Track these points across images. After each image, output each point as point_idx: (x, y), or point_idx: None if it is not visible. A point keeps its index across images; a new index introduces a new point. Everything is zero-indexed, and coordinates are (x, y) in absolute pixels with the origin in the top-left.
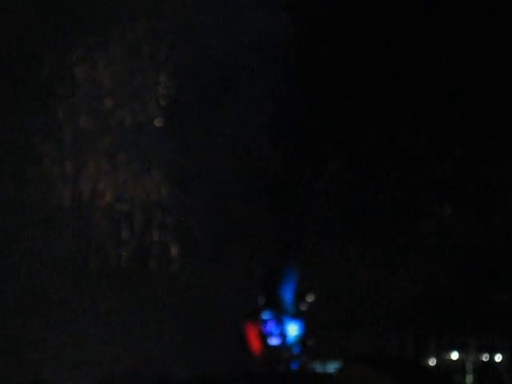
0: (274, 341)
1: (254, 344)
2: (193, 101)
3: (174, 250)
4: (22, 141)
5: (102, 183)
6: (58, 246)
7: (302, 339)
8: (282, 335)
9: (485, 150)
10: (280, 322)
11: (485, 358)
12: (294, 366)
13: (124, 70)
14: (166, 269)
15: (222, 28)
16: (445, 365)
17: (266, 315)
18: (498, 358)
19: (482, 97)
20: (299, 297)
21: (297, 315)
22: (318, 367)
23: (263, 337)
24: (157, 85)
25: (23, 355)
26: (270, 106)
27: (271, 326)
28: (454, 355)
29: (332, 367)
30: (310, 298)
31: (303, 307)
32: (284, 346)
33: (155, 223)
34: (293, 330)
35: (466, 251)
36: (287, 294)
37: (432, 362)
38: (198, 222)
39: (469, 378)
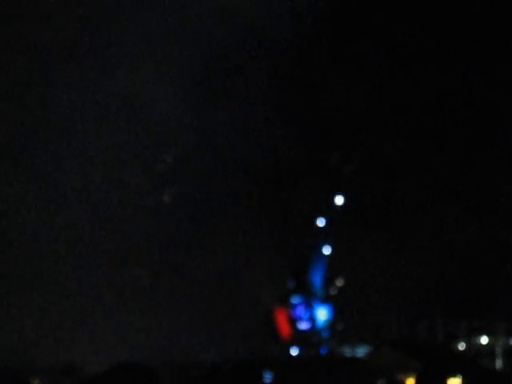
0: (303, 325)
1: (284, 328)
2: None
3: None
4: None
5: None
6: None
7: (332, 323)
8: (312, 319)
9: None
10: (309, 307)
11: None
12: (323, 350)
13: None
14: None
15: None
16: (474, 349)
17: (295, 299)
18: None
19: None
20: (328, 281)
21: (326, 299)
22: (347, 351)
23: (292, 321)
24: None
25: (56, 341)
26: (299, 93)
27: (301, 311)
28: (484, 339)
29: (361, 351)
30: (339, 283)
31: (332, 291)
32: (313, 330)
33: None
34: (322, 314)
35: (493, 239)
36: (317, 279)
37: (461, 346)
38: (227, 208)
39: (498, 363)
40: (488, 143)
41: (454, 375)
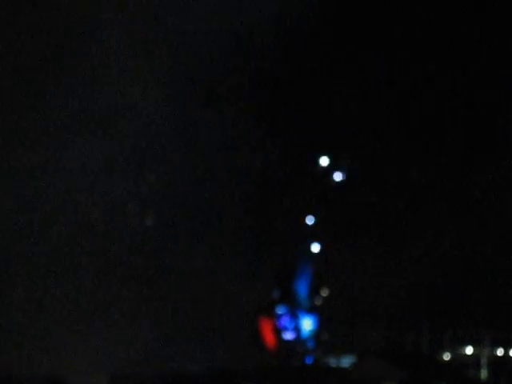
0: (288, 335)
1: (269, 338)
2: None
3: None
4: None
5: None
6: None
7: (317, 333)
8: (297, 329)
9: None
10: (294, 317)
11: (499, 352)
12: (308, 360)
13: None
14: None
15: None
16: (459, 359)
17: (280, 309)
18: None
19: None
20: (314, 291)
21: (311, 310)
22: (333, 361)
23: (277, 331)
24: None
25: (40, 353)
26: (286, 97)
27: (286, 321)
28: (469, 350)
29: (346, 361)
30: (324, 293)
31: (317, 302)
32: (298, 340)
33: None
34: (307, 324)
35: (478, 248)
36: (302, 289)
37: (446, 356)
38: (212, 218)
39: (483, 373)
40: (477, 147)
41: None
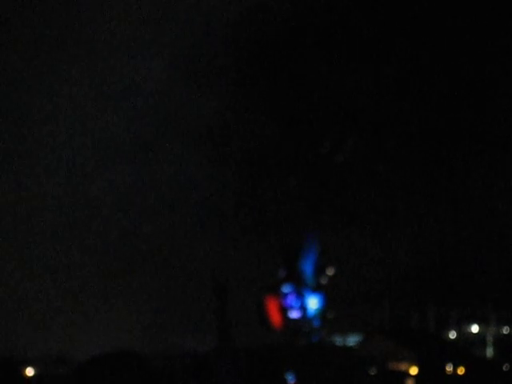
0: (294, 314)
1: (274, 317)
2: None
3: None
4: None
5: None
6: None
7: (322, 312)
8: (303, 308)
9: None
10: (300, 296)
11: (505, 330)
12: (314, 339)
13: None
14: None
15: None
16: (465, 337)
17: (286, 288)
18: None
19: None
20: (319, 270)
21: (317, 288)
22: (339, 340)
23: (283, 310)
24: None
25: (49, 332)
26: (291, 82)
27: (291, 300)
28: (475, 328)
29: (352, 340)
30: (330, 272)
31: (323, 280)
32: (304, 319)
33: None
34: (313, 303)
35: (484, 231)
36: (307, 268)
37: (452, 334)
38: (218, 197)
39: (489, 351)
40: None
41: (447, 363)
